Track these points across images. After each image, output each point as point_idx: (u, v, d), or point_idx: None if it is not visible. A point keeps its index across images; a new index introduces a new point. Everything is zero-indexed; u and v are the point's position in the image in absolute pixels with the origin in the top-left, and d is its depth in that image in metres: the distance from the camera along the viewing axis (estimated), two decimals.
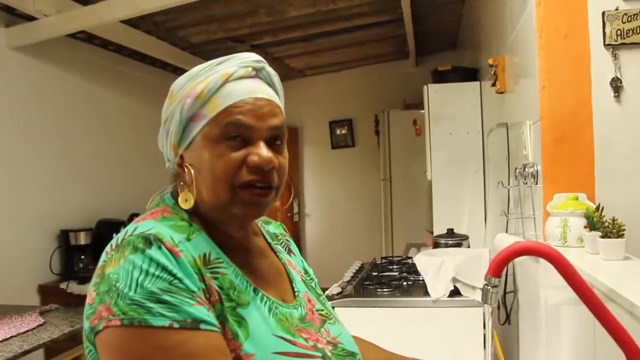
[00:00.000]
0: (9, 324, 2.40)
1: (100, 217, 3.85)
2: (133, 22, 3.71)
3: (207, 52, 4.68)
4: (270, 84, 0.87)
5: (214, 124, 0.79)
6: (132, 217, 3.97)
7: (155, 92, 4.83)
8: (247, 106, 0.80)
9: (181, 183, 0.83)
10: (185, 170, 0.82)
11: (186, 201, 0.81)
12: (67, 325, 2.41)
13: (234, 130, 0.79)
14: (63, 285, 3.45)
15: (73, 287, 3.44)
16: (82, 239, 3.64)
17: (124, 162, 4.42)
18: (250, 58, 0.85)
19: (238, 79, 0.82)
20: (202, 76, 0.82)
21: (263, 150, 0.79)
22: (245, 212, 0.82)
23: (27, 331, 2.30)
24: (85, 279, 3.48)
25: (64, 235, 3.64)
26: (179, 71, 4.99)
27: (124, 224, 3.75)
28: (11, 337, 2.22)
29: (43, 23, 3.26)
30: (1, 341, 2.16)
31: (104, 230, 3.73)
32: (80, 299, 3.37)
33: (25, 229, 3.44)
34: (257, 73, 0.85)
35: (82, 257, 3.62)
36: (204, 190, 0.81)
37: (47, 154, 3.63)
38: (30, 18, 3.26)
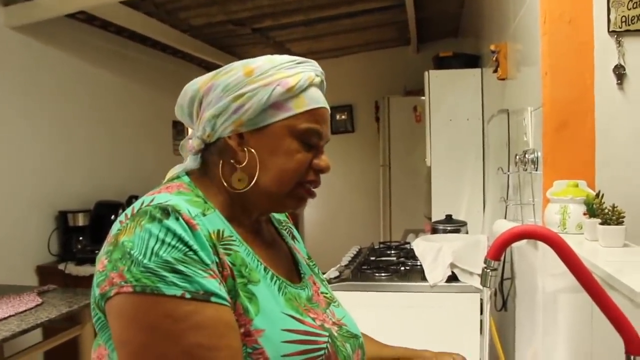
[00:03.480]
0: (7, 303, 2.41)
1: (99, 199, 3.83)
2: (133, 4, 3.67)
3: (207, 34, 4.64)
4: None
5: (297, 120, 0.84)
6: (131, 198, 3.97)
7: (155, 75, 4.82)
8: (323, 115, 0.88)
9: (231, 160, 0.84)
10: (246, 150, 0.83)
11: (239, 180, 0.83)
12: (65, 305, 2.42)
13: (313, 135, 0.86)
14: (61, 266, 3.46)
15: (71, 268, 3.45)
16: (81, 220, 3.64)
17: (123, 144, 4.41)
18: (319, 68, 0.91)
19: (315, 85, 0.88)
20: (290, 70, 0.85)
21: (326, 158, 0.90)
22: (297, 205, 0.89)
23: (25, 311, 2.31)
24: (83, 260, 3.49)
25: (62, 217, 3.64)
26: (179, 54, 4.97)
27: (122, 205, 3.76)
28: (9, 316, 2.23)
29: (42, 2, 3.23)
30: (0, 320, 2.17)
31: (103, 212, 3.71)
32: (78, 280, 3.39)
33: (23, 210, 3.43)
34: (321, 83, 0.91)
35: (80, 238, 3.62)
36: (264, 176, 0.83)
37: (45, 135, 3.61)
38: None
